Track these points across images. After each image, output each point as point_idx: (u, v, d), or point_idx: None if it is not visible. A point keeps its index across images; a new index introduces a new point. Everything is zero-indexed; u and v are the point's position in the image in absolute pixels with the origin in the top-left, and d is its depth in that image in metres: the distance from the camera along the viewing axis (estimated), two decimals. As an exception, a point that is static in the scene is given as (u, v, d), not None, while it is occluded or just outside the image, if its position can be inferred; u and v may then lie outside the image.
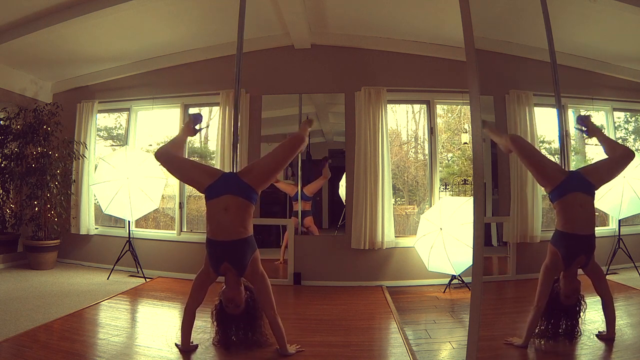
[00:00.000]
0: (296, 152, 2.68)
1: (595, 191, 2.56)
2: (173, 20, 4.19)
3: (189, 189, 4.86)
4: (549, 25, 2.72)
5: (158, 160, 2.62)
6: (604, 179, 2.61)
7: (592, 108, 4.71)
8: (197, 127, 2.87)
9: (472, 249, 1.96)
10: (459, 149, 5.00)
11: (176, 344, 2.56)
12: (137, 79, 5.01)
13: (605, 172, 2.63)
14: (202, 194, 2.57)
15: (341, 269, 4.37)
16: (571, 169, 2.87)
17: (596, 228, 2.56)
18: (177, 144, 2.79)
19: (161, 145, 3.08)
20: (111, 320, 3.10)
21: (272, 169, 2.61)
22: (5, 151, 4.92)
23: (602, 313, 2.55)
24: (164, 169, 2.77)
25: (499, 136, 2.94)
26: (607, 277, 2.71)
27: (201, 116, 2.93)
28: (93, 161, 5.03)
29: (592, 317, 2.74)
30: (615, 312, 2.55)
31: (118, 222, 4.99)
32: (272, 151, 2.65)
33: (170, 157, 2.63)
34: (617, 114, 4.83)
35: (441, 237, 3.84)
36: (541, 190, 4.19)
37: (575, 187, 2.52)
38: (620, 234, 4.23)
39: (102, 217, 5.09)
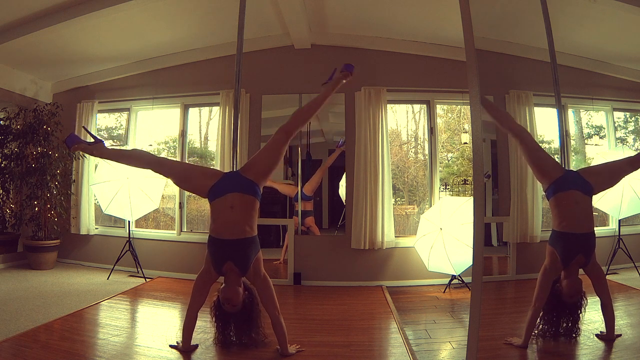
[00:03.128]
0: (289, 140, 2.65)
1: (594, 195, 2.55)
2: (173, 20, 4.19)
3: (189, 189, 4.86)
4: (549, 25, 2.72)
5: (154, 169, 2.59)
6: (604, 182, 2.60)
7: (592, 108, 4.72)
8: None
9: (472, 249, 1.96)
10: (458, 149, 5.00)
11: (171, 345, 2.56)
12: (137, 79, 5.01)
13: (606, 177, 2.61)
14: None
15: (341, 269, 4.37)
16: (571, 169, 2.87)
17: (596, 228, 2.55)
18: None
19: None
20: (111, 320, 3.10)
21: (271, 159, 2.59)
22: (5, 151, 4.92)
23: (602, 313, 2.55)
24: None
25: (501, 123, 2.86)
26: (607, 277, 2.71)
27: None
28: (93, 161, 5.02)
29: (592, 317, 2.74)
30: (615, 313, 2.55)
31: (118, 222, 4.99)
32: (267, 145, 2.64)
33: (173, 164, 2.60)
34: (617, 114, 4.83)
35: (441, 237, 3.84)
36: (541, 191, 4.19)
37: (571, 185, 2.51)
38: (620, 234, 4.24)
39: (102, 217, 5.09)
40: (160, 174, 2.66)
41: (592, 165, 3.63)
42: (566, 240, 2.47)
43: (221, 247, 2.42)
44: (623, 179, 2.68)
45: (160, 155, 5.15)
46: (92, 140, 2.63)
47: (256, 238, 2.49)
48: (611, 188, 2.74)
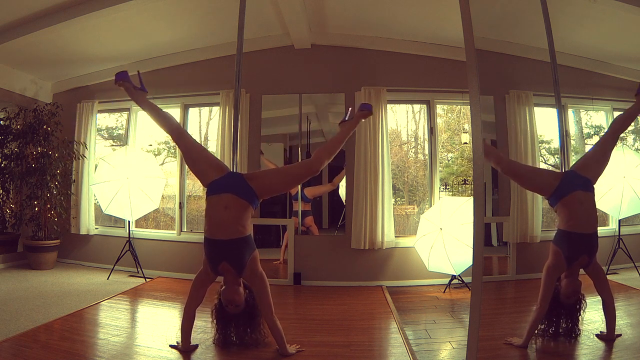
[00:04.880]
0: (309, 177, 2.61)
1: (594, 185, 2.55)
2: (173, 20, 4.19)
3: (189, 189, 4.86)
4: (549, 25, 2.72)
5: (173, 136, 2.63)
6: (597, 167, 2.61)
7: (592, 108, 4.71)
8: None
9: (472, 249, 1.96)
10: (458, 149, 5.00)
11: (171, 345, 2.56)
12: (137, 78, 4.99)
13: (596, 161, 2.62)
14: (201, 194, 2.57)
15: (341, 269, 4.37)
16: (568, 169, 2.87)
17: (597, 228, 2.55)
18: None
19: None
20: (111, 320, 3.10)
21: (281, 185, 2.63)
22: (5, 151, 4.92)
23: (602, 313, 2.55)
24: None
25: (496, 162, 2.81)
26: (607, 277, 2.71)
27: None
28: (93, 161, 5.03)
29: (592, 317, 2.74)
30: (616, 313, 2.55)
31: (118, 222, 4.99)
32: (287, 168, 2.64)
33: (191, 141, 2.62)
34: (617, 114, 4.82)
35: (441, 237, 3.84)
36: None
37: (572, 187, 2.52)
38: (620, 234, 4.23)
39: (102, 217, 5.09)
40: (177, 144, 2.71)
41: (581, 157, 3.63)
42: (572, 240, 2.47)
43: (215, 247, 2.43)
44: (614, 151, 2.66)
45: (162, 154, 5.19)
46: (139, 86, 2.76)
47: (250, 237, 2.48)
48: (612, 185, 2.73)
